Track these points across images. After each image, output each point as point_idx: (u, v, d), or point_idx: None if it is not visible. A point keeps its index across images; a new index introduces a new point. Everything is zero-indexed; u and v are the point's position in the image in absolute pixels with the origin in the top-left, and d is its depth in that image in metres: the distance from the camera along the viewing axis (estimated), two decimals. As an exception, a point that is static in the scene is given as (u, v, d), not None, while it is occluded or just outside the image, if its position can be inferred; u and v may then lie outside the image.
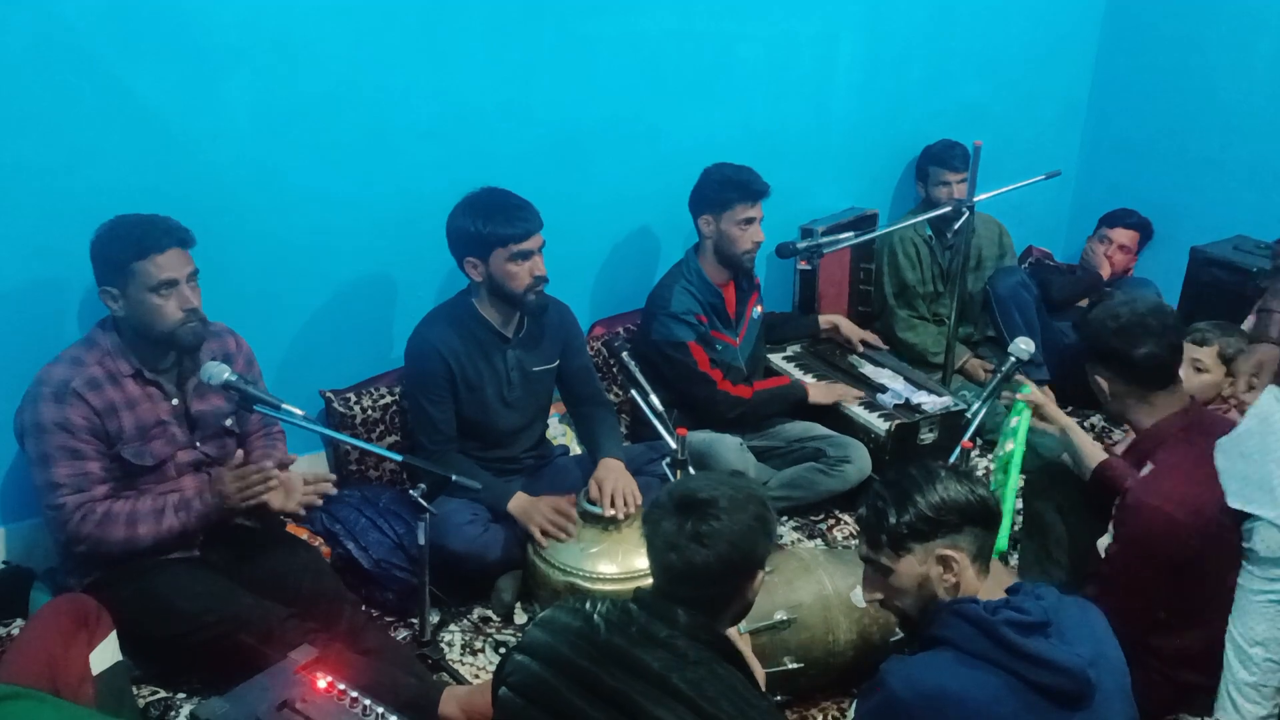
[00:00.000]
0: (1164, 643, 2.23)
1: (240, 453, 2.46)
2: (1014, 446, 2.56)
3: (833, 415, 3.40)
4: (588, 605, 1.76)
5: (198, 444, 2.49)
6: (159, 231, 2.32)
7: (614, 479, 2.77)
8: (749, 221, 3.20)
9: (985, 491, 1.84)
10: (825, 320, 3.79)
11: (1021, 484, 2.69)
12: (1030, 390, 2.62)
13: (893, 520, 1.80)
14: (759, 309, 3.48)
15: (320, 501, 2.50)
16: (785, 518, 3.28)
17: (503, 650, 2.65)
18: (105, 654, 2.14)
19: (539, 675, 1.69)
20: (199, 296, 2.38)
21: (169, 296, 2.32)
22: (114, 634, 2.18)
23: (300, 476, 2.49)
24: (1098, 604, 1.90)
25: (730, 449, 3.16)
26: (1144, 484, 2.24)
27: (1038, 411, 2.60)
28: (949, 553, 1.79)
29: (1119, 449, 2.59)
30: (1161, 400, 2.29)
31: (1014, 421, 2.60)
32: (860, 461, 3.23)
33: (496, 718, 1.78)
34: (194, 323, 2.36)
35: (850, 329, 3.78)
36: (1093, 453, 2.52)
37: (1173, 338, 2.28)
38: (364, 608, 2.67)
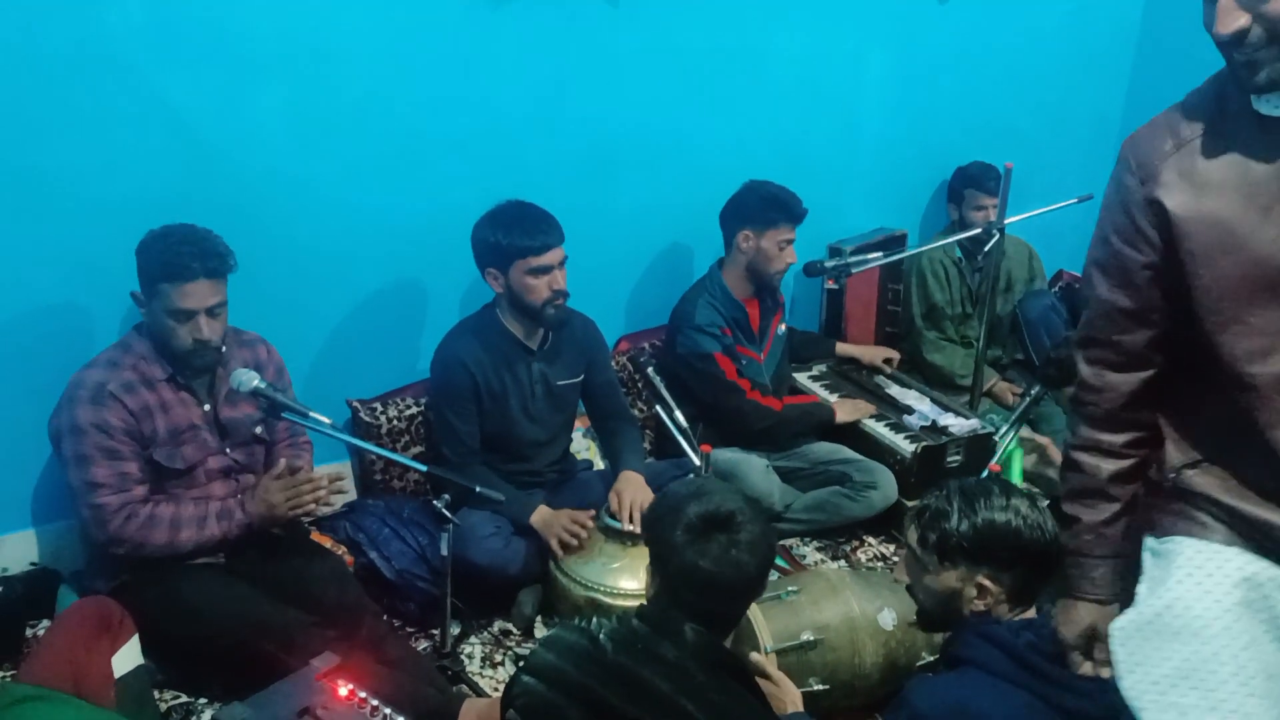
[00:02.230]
0: None
1: (283, 462, 2.47)
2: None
3: (858, 437, 3.37)
4: (593, 624, 1.73)
5: (228, 450, 2.50)
6: (192, 258, 2.29)
7: (632, 491, 2.77)
8: (788, 243, 3.22)
9: (1056, 532, 1.76)
10: (843, 352, 3.77)
11: None
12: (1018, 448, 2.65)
13: (949, 527, 1.78)
14: (783, 326, 3.47)
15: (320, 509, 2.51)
16: (809, 539, 3.26)
17: (522, 664, 2.63)
18: (127, 657, 2.14)
19: (545, 697, 1.68)
20: (218, 328, 2.37)
21: (183, 323, 2.33)
22: (136, 637, 2.19)
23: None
24: None
25: (756, 469, 3.15)
26: None
27: (1041, 454, 2.62)
28: (988, 584, 1.77)
29: None
30: None
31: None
32: (886, 488, 3.20)
33: None
34: (205, 352, 2.37)
35: (871, 356, 3.76)
36: None
37: None
38: (385, 618, 2.66)
